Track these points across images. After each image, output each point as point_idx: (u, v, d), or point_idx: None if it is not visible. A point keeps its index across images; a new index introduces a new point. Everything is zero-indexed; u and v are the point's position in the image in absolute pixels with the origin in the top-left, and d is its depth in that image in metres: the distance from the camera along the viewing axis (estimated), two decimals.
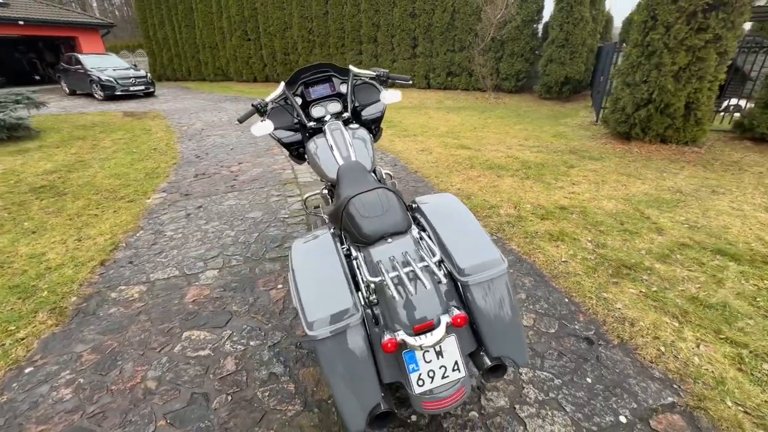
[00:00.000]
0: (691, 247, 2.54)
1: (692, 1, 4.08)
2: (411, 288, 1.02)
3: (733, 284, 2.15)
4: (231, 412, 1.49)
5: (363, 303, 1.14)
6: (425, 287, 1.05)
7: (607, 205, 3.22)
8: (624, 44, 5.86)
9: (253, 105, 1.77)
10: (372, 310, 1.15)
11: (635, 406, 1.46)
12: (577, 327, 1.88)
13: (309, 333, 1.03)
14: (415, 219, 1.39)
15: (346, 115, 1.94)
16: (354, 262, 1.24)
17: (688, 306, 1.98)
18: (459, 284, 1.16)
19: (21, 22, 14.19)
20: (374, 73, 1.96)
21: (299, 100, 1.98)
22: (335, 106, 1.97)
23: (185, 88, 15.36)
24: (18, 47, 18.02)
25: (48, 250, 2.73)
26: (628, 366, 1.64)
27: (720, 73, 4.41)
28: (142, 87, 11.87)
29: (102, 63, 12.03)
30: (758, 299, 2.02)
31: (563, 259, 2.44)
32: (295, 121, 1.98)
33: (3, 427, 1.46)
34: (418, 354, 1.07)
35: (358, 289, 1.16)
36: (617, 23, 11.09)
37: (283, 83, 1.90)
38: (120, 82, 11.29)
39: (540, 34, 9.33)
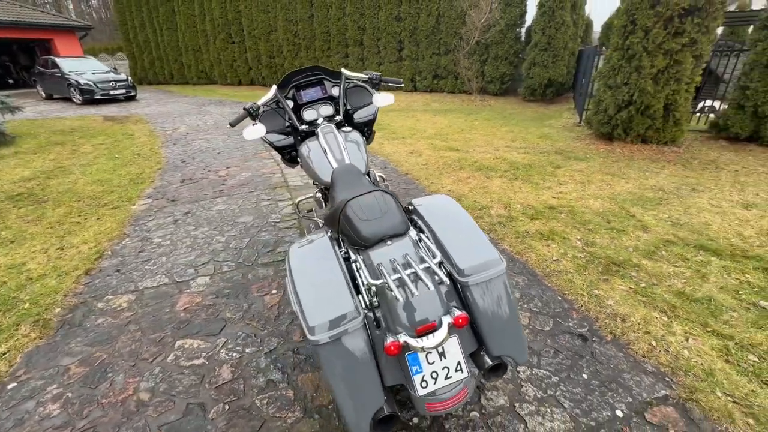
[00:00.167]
0: (676, 243, 2.62)
1: (669, 6, 4.24)
2: (413, 290, 1.02)
3: (717, 279, 2.22)
4: (229, 422, 1.45)
5: (364, 306, 1.13)
6: (428, 288, 1.05)
7: (594, 204, 3.30)
8: (604, 48, 6.03)
9: (244, 108, 1.75)
10: (373, 313, 1.15)
11: (630, 400, 1.50)
12: (571, 324, 1.92)
13: (310, 338, 1.01)
14: (412, 221, 1.39)
15: (338, 118, 1.93)
16: (353, 265, 1.23)
17: (675, 301, 2.04)
18: (458, 285, 1.17)
19: None
20: (366, 76, 1.97)
21: (291, 103, 1.97)
22: (327, 109, 1.96)
23: (168, 92, 15.05)
24: None
25: (29, 260, 2.63)
26: (622, 361, 1.68)
27: (696, 75, 4.58)
28: (123, 91, 11.60)
29: (80, 66, 11.70)
30: (740, 292, 2.09)
31: (554, 258, 2.49)
32: (287, 124, 1.97)
33: None
34: (421, 356, 1.07)
35: (358, 292, 1.16)
36: (596, 27, 11.39)
37: (275, 86, 1.88)
38: (99, 85, 11.01)
39: (523, 38, 9.52)
